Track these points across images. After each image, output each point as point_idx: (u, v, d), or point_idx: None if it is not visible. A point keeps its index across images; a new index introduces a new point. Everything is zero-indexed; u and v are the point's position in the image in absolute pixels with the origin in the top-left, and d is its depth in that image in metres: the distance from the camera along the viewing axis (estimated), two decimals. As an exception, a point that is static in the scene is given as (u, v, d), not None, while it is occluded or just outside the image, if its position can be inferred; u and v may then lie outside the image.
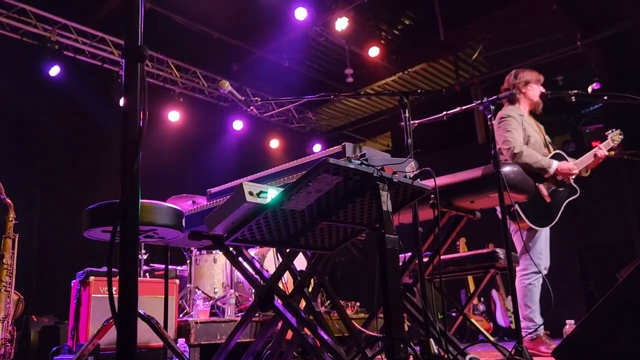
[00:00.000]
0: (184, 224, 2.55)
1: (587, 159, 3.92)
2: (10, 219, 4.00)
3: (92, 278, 3.58)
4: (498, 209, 3.85)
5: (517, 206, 3.51)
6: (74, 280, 3.73)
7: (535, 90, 4.01)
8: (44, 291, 5.61)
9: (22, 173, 5.81)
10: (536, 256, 3.74)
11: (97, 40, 6.68)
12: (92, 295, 3.55)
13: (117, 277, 1.04)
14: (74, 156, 6.34)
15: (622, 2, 6.60)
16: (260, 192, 1.87)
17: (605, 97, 3.71)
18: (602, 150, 3.92)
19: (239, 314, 4.46)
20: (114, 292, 1.07)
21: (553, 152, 3.92)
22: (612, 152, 3.94)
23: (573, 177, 3.79)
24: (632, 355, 1.77)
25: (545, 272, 3.83)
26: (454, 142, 8.17)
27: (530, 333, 3.61)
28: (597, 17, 6.88)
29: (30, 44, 6.18)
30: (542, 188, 3.69)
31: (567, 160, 3.91)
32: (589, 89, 3.93)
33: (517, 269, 3.77)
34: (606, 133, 4.07)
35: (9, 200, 3.98)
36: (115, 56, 6.82)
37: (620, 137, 4.04)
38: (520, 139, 3.77)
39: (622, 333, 1.80)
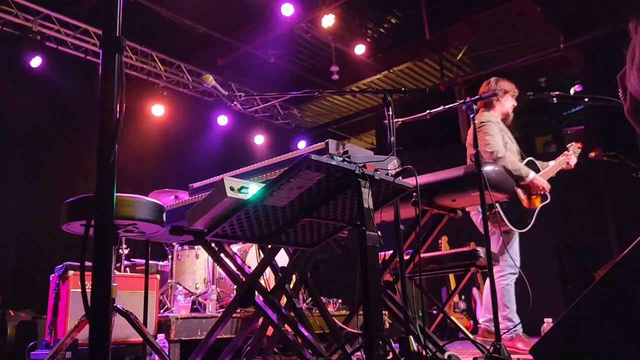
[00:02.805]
0: (165, 218, 2.53)
1: (559, 165, 4.15)
2: (-12, 212, 3.93)
3: (71, 272, 3.53)
4: (472, 212, 3.98)
5: (499, 208, 3.60)
6: (53, 275, 3.68)
7: (510, 102, 4.15)
8: (22, 285, 5.53)
9: (1, 165, 5.71)
10: (513, 257, 3.85)
11: (80, 31, 6.58)
12: (71, 289, 3.50)
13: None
14: (55, 149, 6.25)
15: (604, 7, 6.69)
16: (242, 187, 1.86)
17: (587, 99, 3.77)
18: (572, 159, 4.17)
19: (220, 310, 4.43)
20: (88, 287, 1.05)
21: (527, 160, 4.08)
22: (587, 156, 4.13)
23: (546, 190, 3.95)
24: (608, 353, 1.80)
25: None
26: (438, 141, 8.22)
27: (508, 332, 3.67)
28: (580, 20, 6.98)
29: (11, 34, 6.07)
30: (520, 192, 3.83)
31: (537, 165, 4.09)
32: (571, 91, 4.02)
33: (494, 270, 3.84)
34: (567, 146, 4.27)
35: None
36: (98, 48, 6.72)
37: (579, 149, 4.25)
38: (501, 144, 3.87)
39: (599, 331, 1.83)
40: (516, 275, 3.85)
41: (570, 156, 4.17)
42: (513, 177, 3.69)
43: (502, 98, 4.11)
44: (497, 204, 3.56)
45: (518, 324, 3.75)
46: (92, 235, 1.07)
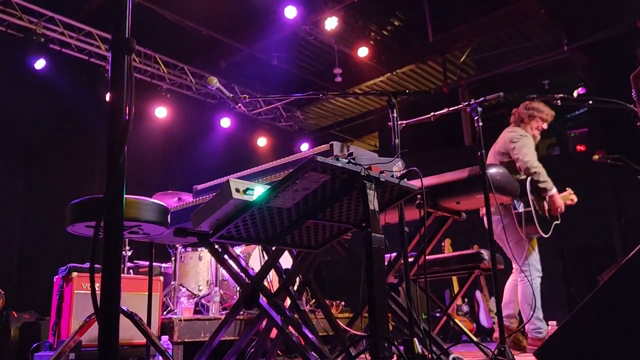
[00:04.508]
0: (169, 220, 2.54)
1: (564, 198, 4.27)
2: (-8, 213, 3.94)
3: (74, 274, 3.53)
4: (493, 221, 4.11)
5: (534, 214, 3.81)
6: (57, 276, 3.68)
7: (537, 123, 4.28)
8: (26, 286, 5.53)
9: (5, 166, 5.73)
10: (539, 261, 4.03)
11: (83, 34, 6.60)
12: (75, 291, 3.50)
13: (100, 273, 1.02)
14: (59, 150, 6.26)
15: (608, 10, 6.69)
16: (247, 189, 1.86)
17: (590, 102, 3.77)
18: (574, 197, 4.31)
19: (224, 312, 4.44)
20: (97, 289, 1.06)
21: None
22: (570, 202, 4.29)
23: (561, 211, 4.11)
24: (613, 356, 1.79)
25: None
26: (442, 143, 8.22)
27: (540, 332, 3.85)
28: (584, 23, 6.97)
29: (15, 36, 6.09)
30: (545, 204, 4.04)
31: None
32: (575, 94, 4.05)
33: (525, 273, 3.94)
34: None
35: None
36: (102, 50, 6.75)
37: (572, 198, 4.34)
38: (536, 158, 4.05)
39: (603, 334, 1.83)
40: (540, 278, 4.00)
41: (573, 196, 4.34)
42: (539, 188, 3.92)
43: (531, 120, 4.24)
44: (532, 209, 3.72)
45: (532, 325, 3.85)
46: (100, 237, 1.07)
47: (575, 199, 4.30)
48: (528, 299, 3.88)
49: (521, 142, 4.07)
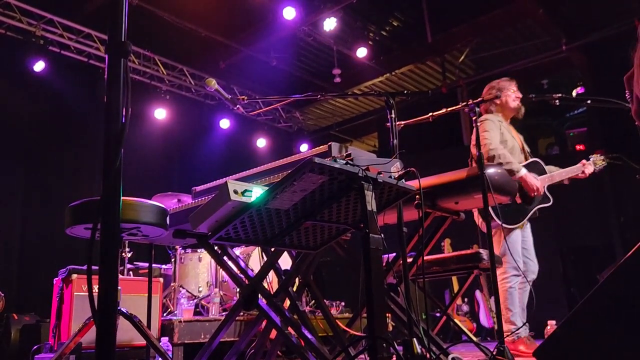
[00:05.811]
0: (168, 221, 2.54)
1: (571, 172, 4.03)
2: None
3: (74, 276, 3.54)
4: (475, 212, 3.95)
5: None
6: (57, 278, 3.69)
7: (511, 97, 4.08)
8: (26, 289, 5.54)
9: (5, 168, 5.74)
10: (515, 258, 3.75)
11: (82, 35, 6.61)
12: (75, 293, 3.51)
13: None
14: (58, 152, 6.27)
15: (606, 10, 6.69)
16: (245, 190, 1.87)
17: (589, 101, 3.76)
18: (588, 168, 4.06)
19: (224, 313, 4.44)
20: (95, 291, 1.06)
21: (530, 160, 4.02)
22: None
23: (539, 193, 3.82)
24: (612, 355, 1.79)
25: (534, 276, 3.90)
26: (440, 143, 8.22)
27: (509, 335, 3.64)
28: (582, 22, 6.97)
29: (14, 38, 6.10)
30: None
31: (542, 167, 4.01)
32: (574, 93, 4.00)
33: (498, 272, 3.80)
34: (590, 156, 4.17)
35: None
36: (101, 52, 6.75)
37: (603, 162, 4.15)
38: (497, 139, 3.84)
39: (603, 334, 1.83)
40: (520, 277, 3.81)
41: (588, 166, 4.08)
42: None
43: (503, 97, 4.05)
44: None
45: (521, 327, 3.73)
46: (98, 239, 1.08)
47: (589, 171, 4.00)
48: (504, 300, 3.78)
49: (482, 125, 3.80)
